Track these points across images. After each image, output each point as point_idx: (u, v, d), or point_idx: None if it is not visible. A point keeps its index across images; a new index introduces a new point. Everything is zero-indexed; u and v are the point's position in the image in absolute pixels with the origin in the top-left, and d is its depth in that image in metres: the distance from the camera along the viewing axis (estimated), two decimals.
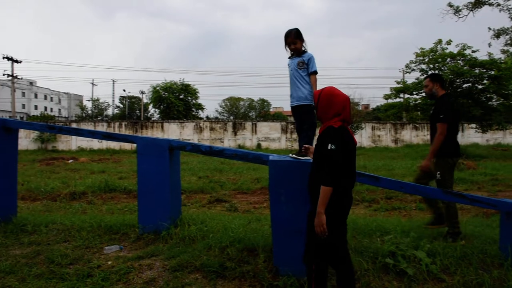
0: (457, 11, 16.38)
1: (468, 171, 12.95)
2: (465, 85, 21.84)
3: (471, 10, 16.06)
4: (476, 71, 20.82)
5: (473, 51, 21.42)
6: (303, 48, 4.09)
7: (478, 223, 5.72)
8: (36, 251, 4.32)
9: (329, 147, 2.64)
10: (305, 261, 2.87)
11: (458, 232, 4.78)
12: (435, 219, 5.15)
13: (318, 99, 2.87)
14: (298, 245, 3.42)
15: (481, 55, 21.86)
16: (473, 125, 25.63)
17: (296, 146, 29.87)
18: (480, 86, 21.68)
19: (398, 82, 25.04)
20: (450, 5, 16.43)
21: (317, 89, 3.49)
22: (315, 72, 4.09)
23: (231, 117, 67.09)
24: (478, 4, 15.79)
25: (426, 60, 22.36)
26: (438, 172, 4.87)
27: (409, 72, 23.73)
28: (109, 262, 4.01)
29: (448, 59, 21.76)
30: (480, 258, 3.93)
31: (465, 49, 21.54)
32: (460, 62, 21.58)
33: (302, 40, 4.08)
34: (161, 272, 3.76)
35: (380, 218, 6.43)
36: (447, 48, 22.08)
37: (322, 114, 2.84)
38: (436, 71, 22.13)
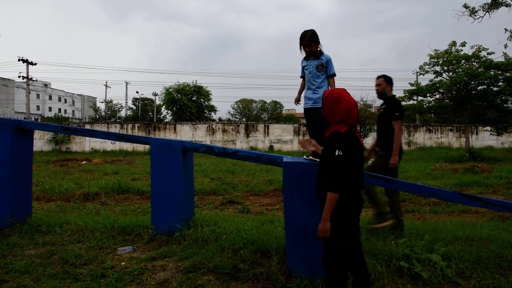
0: (472, 12, 16.12)
1: (482, 174, 12.76)
2: (480, 87, 21.63)
3: (487, 11, 15.79)
4: (491, 72, 20.59)
5: (488, 53, 21.20)
6: (318, 49, 4.06)
7: (493, 227, 5.63)
8: (51, 252, 4.36)
9: (336, 153, 2.63)
10: (327, 271, 2.84)
11: (386, 213, 5.12)
12: (376, 218, 5.25)
13: (326, 99, 2.87)
14: (311, 247, 3.41)
15: (497, 57, 21.54)
16: (488, 128, 25.27)
17: None
18: (495, 88, 21.43)
19: (411, 84, 24.85)
20: (465, 6, 16.18)
21: None
22: (334, 75, 4.07)
23: (244, 119, 67.13)
24: (494, 5, 15.51)
25: (440, 62, 22.16)
26: (373, 160, 5.13)
27: (423, 74, 23.52)
28: (123, 263, 4.03)
29: (463, 61, 21.55)
30: (497, 262, 3.86)
31: (480, 51, 21.31)
32: (475, 64, 21.36)
33: (317, 43, 4.04)
34: (174, 273, 3.77)
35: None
36: (461, 50, 21.87)
37: (327, 115, 2.85)
38: (450, 73, 21.96)
